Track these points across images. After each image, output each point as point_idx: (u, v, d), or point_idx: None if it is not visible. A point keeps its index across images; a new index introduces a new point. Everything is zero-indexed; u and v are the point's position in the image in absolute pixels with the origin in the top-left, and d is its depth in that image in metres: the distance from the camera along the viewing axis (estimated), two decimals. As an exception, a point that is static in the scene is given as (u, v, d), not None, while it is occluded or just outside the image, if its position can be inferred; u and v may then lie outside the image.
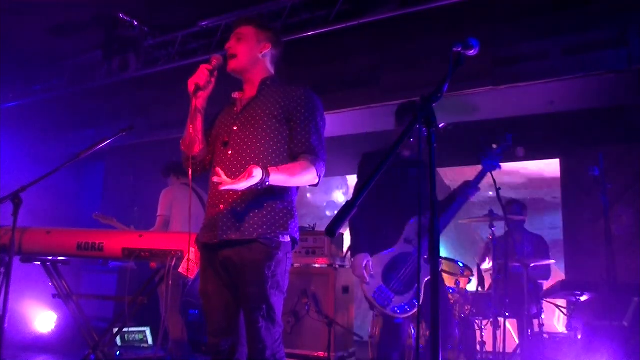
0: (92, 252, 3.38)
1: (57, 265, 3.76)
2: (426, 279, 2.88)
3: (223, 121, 2.39)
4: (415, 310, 2.89)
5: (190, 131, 2.31)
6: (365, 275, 3.00)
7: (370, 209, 3.12)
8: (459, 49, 1.73)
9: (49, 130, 7.58)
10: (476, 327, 4.36)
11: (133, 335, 5.76)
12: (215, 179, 2.03)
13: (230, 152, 2.27)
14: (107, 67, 6.46)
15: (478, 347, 4.22)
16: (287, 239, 2.23)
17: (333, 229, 1.53)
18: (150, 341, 5.82)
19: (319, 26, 5.38)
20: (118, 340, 5.58)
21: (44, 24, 5.98)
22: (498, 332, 4.39)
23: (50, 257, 3.68)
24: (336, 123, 5.85)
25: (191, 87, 2.26)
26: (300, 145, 2.25)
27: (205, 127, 2.41)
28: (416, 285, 2.85)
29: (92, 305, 4.83)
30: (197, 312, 6.22)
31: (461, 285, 4.41)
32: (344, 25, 5.20)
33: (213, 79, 2.31)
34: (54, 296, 3.77)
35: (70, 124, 7.61)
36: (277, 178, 2.10)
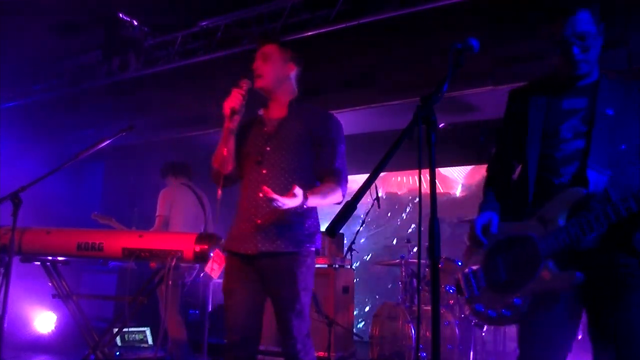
0: (92, 252, 3.38)
1: (57, 265, 3.76)
2: (532, 284, 1.93)
3: (253, 140, 2.54)
4: (508, 322, 2.10)
5: (225, 152, 2.48)
6: (482, 238, 2.07)
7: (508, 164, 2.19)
8: (459, 49, 1.74)
9: (49, 130, 7.58)
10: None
11: (133, 336, 5.76)
12: (264, 195, 2.23)
13: (264, 171, 2.48)
14: (107, 67, 6.47)
15: (478, 347, 4.21)
16: (314, 249, 2.51)
17: (334, 229, 1.53)
18: (150, 341, 5.81)
19: (319, 26, 5.38)
20: (118, 340, 5.57)
21: (44, 24, 5.99)
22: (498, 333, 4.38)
23: (50, 257, 3.68)
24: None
25: (227, 111, 2.44)
26: (326, 169, 2.50)
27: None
28: (519, 289, 1.95)
29: (92, 305, 4.82)
30: (197, 312, 6.22)
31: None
32: (344, 25, 5.20)
33: (244, 102, 2.47)
34: (53, 296, 3.77)
35: (70, 124, 7.60)
36: (313, 201, 2.38)
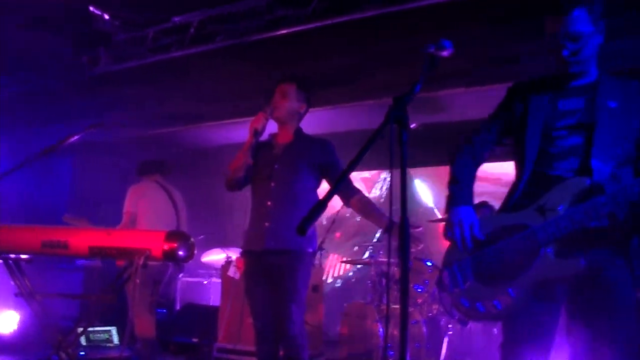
0: (57, 250, 3.30)
1: (21, 263, 3.66)
2: (530, 278, 1.86)
3: (264, 158, 3.05)
4: (496, 317, 2.02)
5: (243, 162, 2.98)
6: (467, 235, 2.01)
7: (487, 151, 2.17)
8: (432, 50, 1.75)
9: (15, 125, 7.39)
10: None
11: (98, 335, 5.67)
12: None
13: (273, 185, 2.98)
14: (77, 62, 6.34)
15: (445, 346, 4.26)
16: (311, 250, 2.99)
17: (304, 227, 1.54)
18: (116, 341, 5.73)
19: (297, 24, 5.36)
20: (83, 340, 5.47)
21: (16, 19, 5.84)
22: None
23: (12, 255, 3.58)
24: (315, 121, 5.85)
25: (252, 131, 2.95)
26: (351, 188, 2.97)
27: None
28: (515, 279, 1.88)
29: (57, 304, 4.71)
30: (165, 310, 6.15)
31: (429, 285, 4.46)
32: (323, 23, 5.19)
33: (266, 124, 2.99)
34: (16, 295, 3.68)
35: (38, 119, 7.44)
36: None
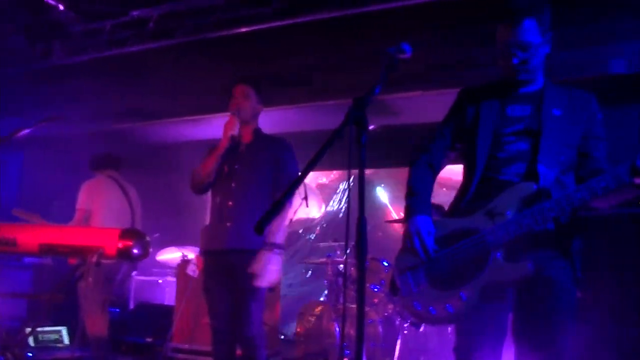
0: (4, 247, 3.18)
1: (-35, 261, 3.53)
2: (484, 281, 1.90)
3: (226, 158, 3.06)
4: (449, 320, 2.10)
5: (215, 166, 3.01)
6: (427, 244, 2.03)
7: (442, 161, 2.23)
8: (392, 53, 1.78)
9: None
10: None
11: (48, 335, 5.50)
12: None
13: (233, 185, 3.02)
14: (29, 53, 6.13)
15: (398, 345, 4.32)
16: None
17: (261, 226, 1.54)
18: (66, 341, 5.57)
19: (261, 22, 5.34)
20: (31, 340, 5.30)
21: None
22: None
23: (-43, 252, 3.44)
24: (274, 120, 5.83)
25: (227, 135, 2.99)
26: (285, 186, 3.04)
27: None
28: (467, 283, 1.92)
29: (4, 303, 4.55)
30: (118, 310, 6.02)
31: (386, 285, 4.51)
32: (286, 22, 5.18)
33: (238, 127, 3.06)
34: (-40, 293, 3.54)
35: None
36: (278, 236, 2.94)
